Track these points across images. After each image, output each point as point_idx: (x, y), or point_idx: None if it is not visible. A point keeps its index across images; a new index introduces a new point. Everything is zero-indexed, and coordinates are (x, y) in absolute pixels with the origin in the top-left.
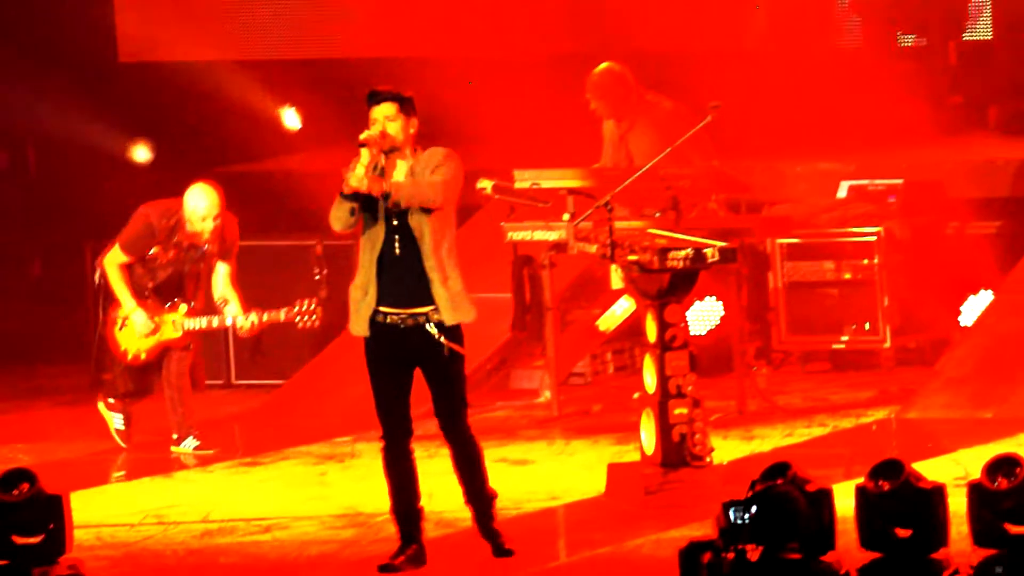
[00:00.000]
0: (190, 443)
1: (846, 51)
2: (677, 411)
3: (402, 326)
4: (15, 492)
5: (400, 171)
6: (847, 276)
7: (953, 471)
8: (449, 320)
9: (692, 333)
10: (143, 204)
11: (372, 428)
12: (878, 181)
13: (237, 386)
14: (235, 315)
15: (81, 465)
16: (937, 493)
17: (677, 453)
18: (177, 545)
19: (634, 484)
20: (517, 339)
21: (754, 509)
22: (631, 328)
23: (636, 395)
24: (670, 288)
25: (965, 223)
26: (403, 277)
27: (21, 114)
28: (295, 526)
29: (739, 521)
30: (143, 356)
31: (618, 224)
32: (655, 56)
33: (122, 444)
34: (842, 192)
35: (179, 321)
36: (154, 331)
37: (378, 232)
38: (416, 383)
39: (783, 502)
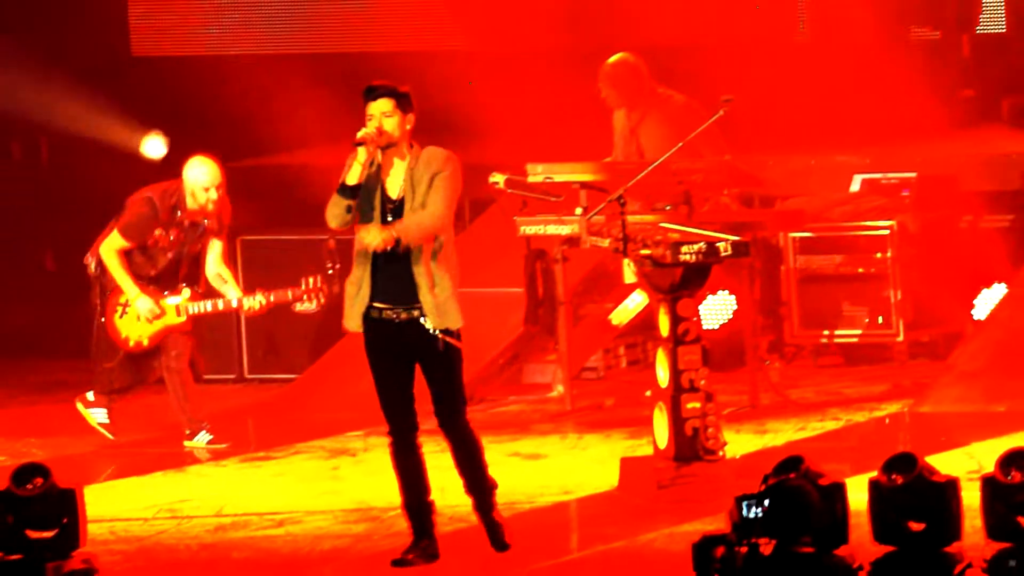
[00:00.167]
0: (203, 437)
1: (859, 44)
2: (690, 405)
3: (396, 320)
4: (29, 486)
5: (398, 170)
6: (860, 270)
7: (966, 464)
8: (434, 325)
9: (705, 327)
10: (140, 189)
11: (384, 423)
12: (891, 175)
13: (249, 380)
14: (240, 297)
15: (94, 459)
16: (950, 487)
17: (690, 447)
18: (190, 539)
19: (647, 478)
20: (530, 333)
21: (767, 503)
22: (644, 322)
23: (648, 392)
24: (683, 282)
25: (978, 216)
26: (397, 274)
27: (34, 107)
28: (308, 521)
29: (752, 515)
30: (145, 343)
31: (631, 218)
32: (667, 50)
33: (110, 436)
34: (855, 186)
35: (183, 305)
36: (159, 317)
37: None
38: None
39: (796, 496)
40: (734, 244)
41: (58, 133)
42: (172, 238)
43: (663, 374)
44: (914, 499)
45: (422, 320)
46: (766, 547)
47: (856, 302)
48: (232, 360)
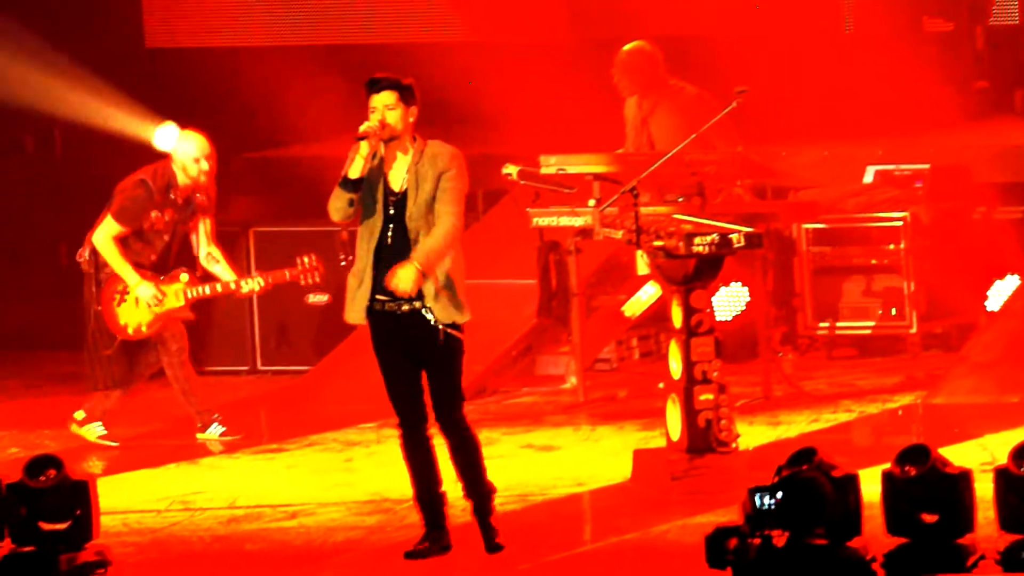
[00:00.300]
0: (216, 429)
1: (873, 36)
2: (703, 397)
3: (398, 312)
4: (42, 478)
5: (400, 163)
6: (873, 261)
7: (980, 456)
8: (437, 319)
9: (718, 319)
10: (129, 175)
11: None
12: (904, 166)
13: (262, 372)
14: (237, 279)
15: (107, 451)
16: (964, 478)
17: (703, 439)
18: (203, 531)
19: (660, 470)
20: (543, 325)
21: (780, 495)
22: (657, 314)
23: (661, 385)
24: (696, 274)
25: (991, 208)
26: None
27: (48, 99)
28: (321, 512)
29: (765, 507)
30: (144, 330)
31: (644, 210)
32: (680, 41)
33: (115, 444)
34: (868, 177)
35: (182, 290)
36: (160, 302)
37: (376, 222)
38: None
39: (809, 488)
40: (747, 235)
41: (72, 125)
42: (167, 219)
43: (676, 366)
44: (927, 491)
45: (423, 312)
46: (779, 539)
47: (869, 294)
48: (245, 352)
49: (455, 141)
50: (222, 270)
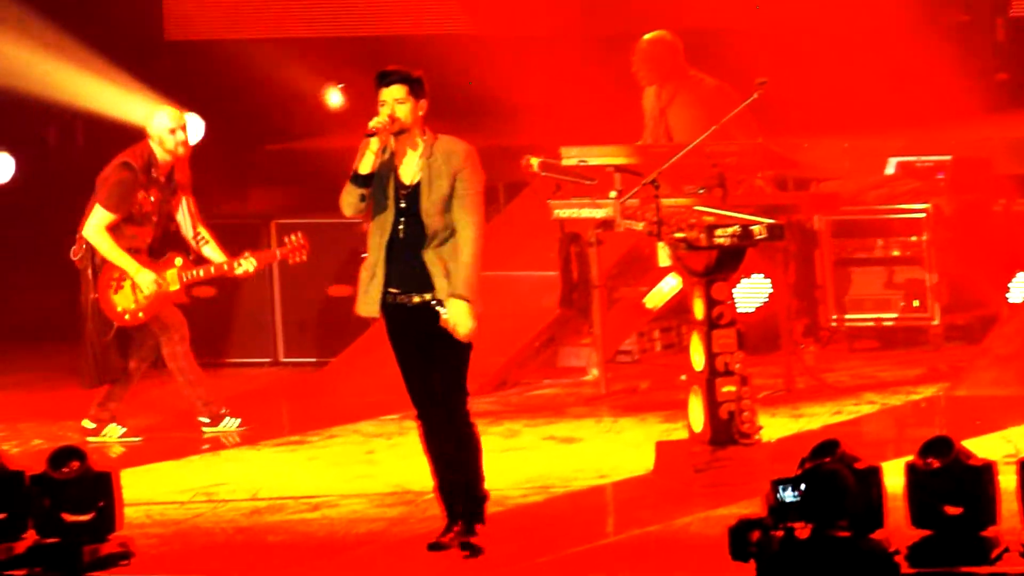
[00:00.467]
0: (231, 423)
1: (894, 27)
2: (725, 389)
3: (408, 305)
4: (65, 470)
5: (411, 157)
6: (895, 253)
7: (1003, 448)
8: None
9: (739, 310)
10: (107, 165)
11: None
12: (926, 158)
13: (284, 364)
14: (229, 260)
15: (130, 443)
16: (987, 471)
17: (725, 431)
18: (226, 523)
19: (682, 462)
20: (564, 317)
21: (803, 487)
22: (678, 305)
23: (683, 377)
24: (717, 265)
25: (1013, 199)
26: (411, 261)
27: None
28: (343, 504)
29: (788, 499)
30: (141, 315)
31: (665, 201)
32: (699, 33)
33: (138, 439)
34: (890, 169)
35: (177, 274)
36: (160, 288)
37: (387, 216)
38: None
39: (832, 480)
40: (769, 227)
41: (94, 118)
42: (153, 199)
43: (698, 358)
44: (950, 483)
45: (432, 304)
46: (802, 531)
47: (891, 285)
48: (267, 344)
49: (476, 133)
50: (213, 251)
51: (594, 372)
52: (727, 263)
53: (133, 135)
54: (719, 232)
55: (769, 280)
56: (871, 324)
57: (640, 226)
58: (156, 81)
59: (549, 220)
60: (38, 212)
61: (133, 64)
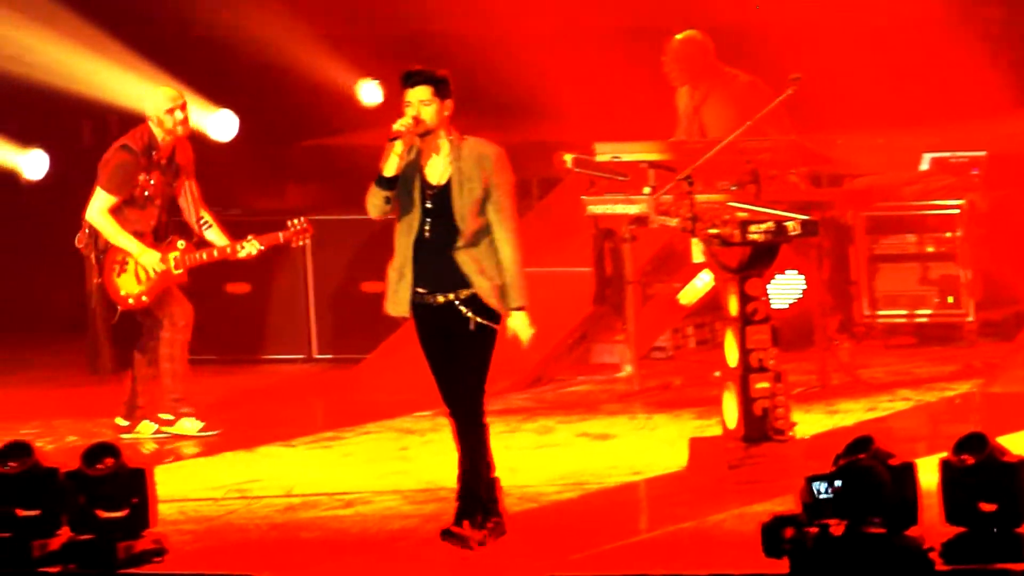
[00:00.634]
0: (191, 425)
1: (928, 22)
2: (759, 385)
3: (434, 304)
4: (99, 466)
5: (437, 160)
6: (930, 249)
7: None
8: (495, 307)
9: (773, 307)
10: (108, 149)
11: None
12: (960, 153)
13: (318, 361)
14: (232, 244)
15: (163, 439)
16: (1021, 467)
17: (759, 427)
18: (260, 520)
19: (716, 459)
20: (598, 313)
21: (838, 483)
22: (712, 302)
23: (717, 373)
24: (751, 261)
25: None
26: (438, 260)
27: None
28: (377, 501)
29: (822, 496)
30: (144, 298)
31: (699, 197)
32: (733, 28)
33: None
34: (924, 164)
35: (180, 257)
36: (164, 269)
37: (414, 216)
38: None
39: (867, 476)
40: (803, 223)
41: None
42: (154, 182)
43: (732, 354)
44: (985, 480)
45: (456, 304)
46: (836, 528)
47: (926, 282)
48: (301, 340)
49: (511, 129)
50: (215, 235)
51: (628, 368)
52: (761, 259)
53: None
54: (753, 228)
55: (803, 276)
56: (905, 320)
57: (674, 222)
58: (191, 77)
59: (583, 216)
60: (75, 206)
61: (169, 61)
